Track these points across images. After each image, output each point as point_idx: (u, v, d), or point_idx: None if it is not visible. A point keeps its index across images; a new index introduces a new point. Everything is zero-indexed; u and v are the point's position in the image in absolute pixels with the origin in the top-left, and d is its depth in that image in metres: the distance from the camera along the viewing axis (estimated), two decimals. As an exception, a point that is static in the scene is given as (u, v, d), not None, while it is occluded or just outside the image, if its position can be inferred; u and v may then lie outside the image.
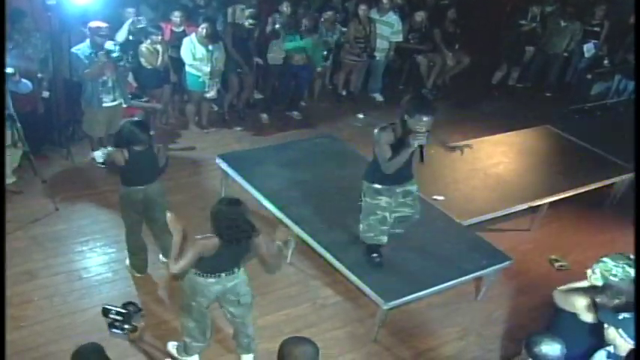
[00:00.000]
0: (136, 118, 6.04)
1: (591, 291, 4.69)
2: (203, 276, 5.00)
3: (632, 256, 4.71)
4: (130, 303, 4.05)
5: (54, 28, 7.78)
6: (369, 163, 6.04)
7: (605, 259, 4.69)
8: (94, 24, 7.50)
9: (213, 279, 5.02)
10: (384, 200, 5.87)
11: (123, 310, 3.94)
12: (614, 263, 4.63)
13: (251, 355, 5.66)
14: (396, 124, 5.59)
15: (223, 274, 5.04)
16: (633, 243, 5.20)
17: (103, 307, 3.96)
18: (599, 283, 4.67)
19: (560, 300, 4.85)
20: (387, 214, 5.92)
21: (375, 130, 5.64)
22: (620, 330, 4.20)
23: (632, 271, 4.60)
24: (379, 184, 5.85)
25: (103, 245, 6.80)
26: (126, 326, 3.91)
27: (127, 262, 6.51)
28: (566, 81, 12.84)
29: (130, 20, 8.48)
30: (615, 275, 4.60)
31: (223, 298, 5.25)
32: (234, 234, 4.76)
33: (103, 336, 5.49)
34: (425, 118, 5.34)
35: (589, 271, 4.78)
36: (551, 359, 4.05)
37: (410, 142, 5.41)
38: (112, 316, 3.93)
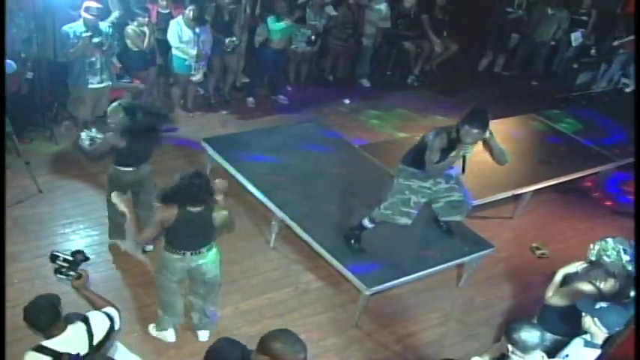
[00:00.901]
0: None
1: (584, 274, 4.77)
2: (169, 251, 5.08)
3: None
4: (79, 251, 4.16)
5: (38, 8, 7.72)
6: (411, 148, 6.03)
7: (608, 239, 4.83)
8: (89, 3, 7.49)
9: (178, 255, 5.08)
10: (416, 183, 5.92)
11: (70, 258, 4.04)
12: (612, 245, 4.75)
13: (207, 332, 5.68)
14: (452, 129, 5.59)
15: (188, 253, 5.08)
16: (616, 231, 5.30)
17: (51, 253, 4.06)
18: (593, 258, 4.79)
19: (564, 300, 4.85)
20: (413, 197, 5.93)
21: (431, 134, 5.66)
22: (596, 319, 4.26)
23: (625, 258, 4.70)
24: (417, 168, 5.89)
25: (86, 228, 6.77)
26: (71, 273, 4.02)
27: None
28: (552, 69, 12.86)
29: (115, 13, 8.45)
30: (609, 256, 4.74)
31: (189, 276, 5.30)
32: (194, 197, 4.84)
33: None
34: (474, 131, 5.39)
35: (591, 245, 4.88)
36: (530, 345, 4.09)
37: (454, 152, 5.55)
38: (58, 262, 4.04)
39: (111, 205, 6.19)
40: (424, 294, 6.57)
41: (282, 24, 9.50)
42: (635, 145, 6.85)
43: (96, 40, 7.53)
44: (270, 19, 9.50)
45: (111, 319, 3.97)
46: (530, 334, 4.10)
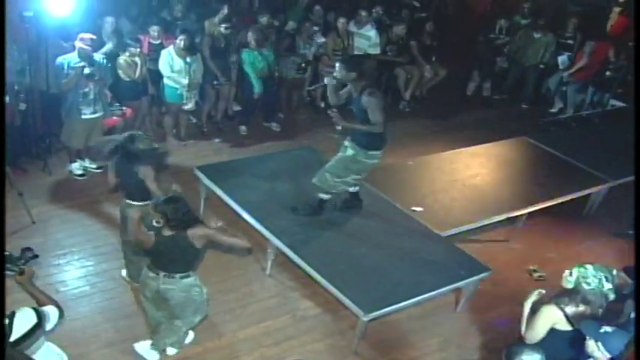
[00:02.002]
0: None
1: (557, 298, 4.72)
2: (147, 267, 5.18)
3: (614, 272, 4.75)
4: (27, 249, 4.15)
5: (31, 40, 7.73)
6: None
7: (587, 265, 4.71)
8: (84, 35, 7.55)
9: (152, 274, 5.15)
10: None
11: (6, 252, 4.03)
12: (593, 272, 4.64)
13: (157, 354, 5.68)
14: None
15: (161, 274, 5.12)
16: (611, 252, 5.28)
17: None
18: (570, 286, 4.70)
19: (533, 336, 4.78)
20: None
21: None
22: (599, 343, 4.23)
23: (607, 286, 4.63)
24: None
25: (80, 258, 6.74)
26: (14, 268, 4.01)
27: (124, 272, 6.51)
28: (542, 93, 12.94)
29: (109, 45, 8.52)
30: (589, 284, 4.62)
31: (157, 296, 5.31)
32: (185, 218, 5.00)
33: (80, 351, 5.50)
34: (337, 64, 6.46)
35: (566, 272, 4.80)
36: None
37: None
38: None
39: (127, 247, 6.20)
40: (423, 319, 6.54)
41: (253, 56, 9.55)
42: (635, 153, 6.83)
43: (87, 70, 7.55)
44: (244, 53, 9.57)
45: (40, 317, 3.87)
46: (530, 358, 4.07)
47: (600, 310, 4.65)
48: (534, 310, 4.79)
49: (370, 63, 6.63)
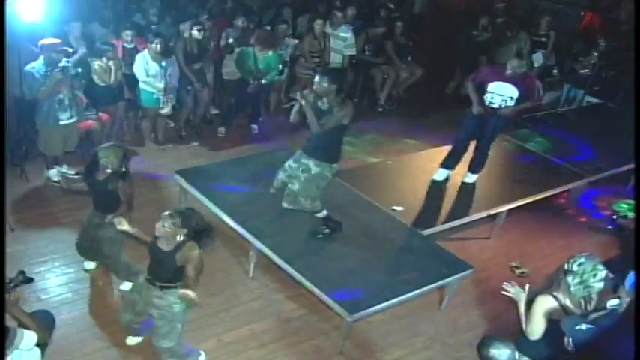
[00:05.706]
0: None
1: (552, 289, 4.74)
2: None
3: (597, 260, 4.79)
4: (21, 272, 4.09)
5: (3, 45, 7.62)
6: None
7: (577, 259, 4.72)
8: (47, 41, 7.40)
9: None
10: (288, 162, 6.51)
11: None
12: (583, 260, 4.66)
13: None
14: None
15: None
16: (594, 247, 5.33)
17: None
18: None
19: (534, 328, 4.78)
20: (280, 172, 6.62)
21: None
22: (570, 339, 4.28)
23: (594, 279, 4.65)
24: (303, 149, 6.42)
25: (61, 265, 6.65)
26: None
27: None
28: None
29: (82, 51, 8.47)
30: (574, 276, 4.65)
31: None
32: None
33: (64, 358, 5.45)
34: (315, 79, 6.10)
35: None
36: None
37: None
38: None
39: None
40: (407, 318, 6.55)
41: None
42: (636, 152, 6.91)
43: (73, 71, 7.49)
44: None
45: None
46: (498, 352, 4.07)
47: (591, 302, 4.63)
48: (530, 303, 4.80)
49: (342, 76, 6.32)
